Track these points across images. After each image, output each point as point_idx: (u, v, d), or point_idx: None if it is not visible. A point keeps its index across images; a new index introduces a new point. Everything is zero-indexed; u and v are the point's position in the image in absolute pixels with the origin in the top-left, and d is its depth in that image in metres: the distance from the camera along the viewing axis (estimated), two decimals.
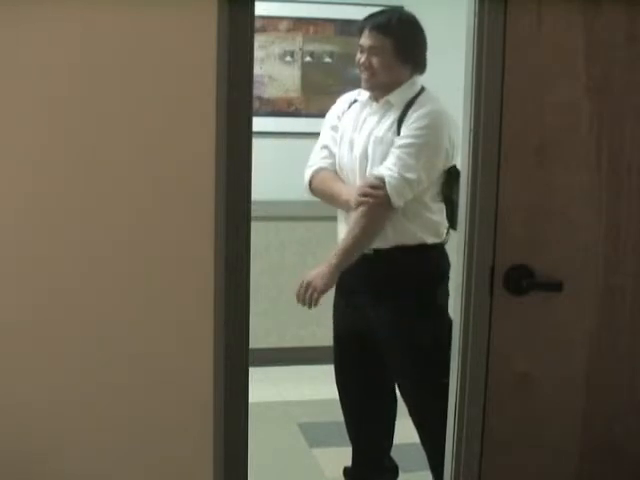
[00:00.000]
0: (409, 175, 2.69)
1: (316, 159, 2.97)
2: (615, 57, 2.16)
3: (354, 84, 4.84)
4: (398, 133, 2.74)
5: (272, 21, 4.71)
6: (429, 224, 2.80)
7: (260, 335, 4.58)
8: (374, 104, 2.87)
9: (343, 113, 2.96)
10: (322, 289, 2.78)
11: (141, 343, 1.97)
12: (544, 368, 2.26)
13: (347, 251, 2.78)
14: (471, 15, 2.12)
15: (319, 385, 4.33)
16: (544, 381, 2.26)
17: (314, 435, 3.80)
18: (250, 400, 2.11)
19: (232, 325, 2.04)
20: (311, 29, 4.77)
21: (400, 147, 2.71)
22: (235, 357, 2.06)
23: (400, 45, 2.78)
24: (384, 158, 2.74)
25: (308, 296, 2.79)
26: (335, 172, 2.93)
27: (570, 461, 2.31)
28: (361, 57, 2.82)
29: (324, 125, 3.01)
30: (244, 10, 1.96)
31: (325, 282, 2.77)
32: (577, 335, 2.26)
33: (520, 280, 2.18)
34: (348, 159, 2.87)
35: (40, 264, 1.92)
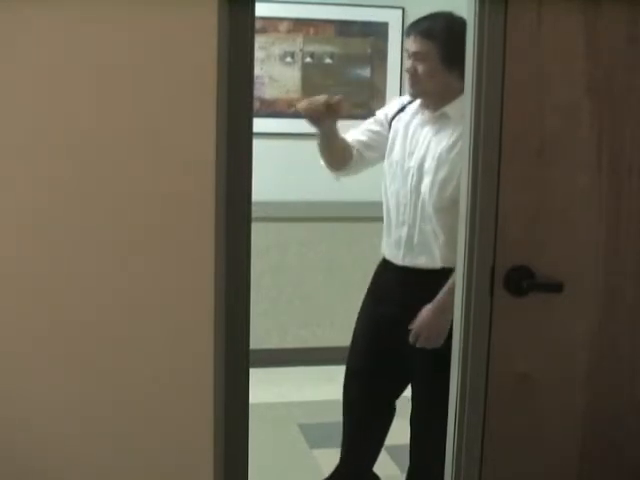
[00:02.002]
0: None
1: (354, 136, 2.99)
2: (616, 58, 2.16)
3: (354, 85, 4.85)
4: None
5: (272, 22, 4.72)
6: None
7: (261, 336, 4.58)
8: (426, 112, 2.80)
9: (395, 114, 2.91)
10: (443, 333, 2.69)
11: (141, 343, 1.97)
12: (544, 369, 2.26)
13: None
14: (471, 15, 2.12)
15: (320, 386, 4.35)
16: (544, 382, 2.26)
17: (315, 436, 3.81)
18: (250, 401, 2.11)
19: (233, 326, 2.04)
20: (311, 30, 4.78)
21: None
22: (236, 358, 2.06)
23: (445, 51, 2.68)
24: (449, 177, 2.67)
25: (432, 344, 2.73)
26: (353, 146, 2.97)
27: (571, 462, 2.31)
28: (407, 63, 2.76)
29: (373, 118, 3.01)
30: (244, 11, 1.96)
31: (445, 325, 2.66)
32: (577, 336, 2.26)
33: (520, 281, 2.18)
34: (399, 169, 2.82)
35: (38, 265, 1.92)
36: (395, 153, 2.86)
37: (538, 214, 2.19)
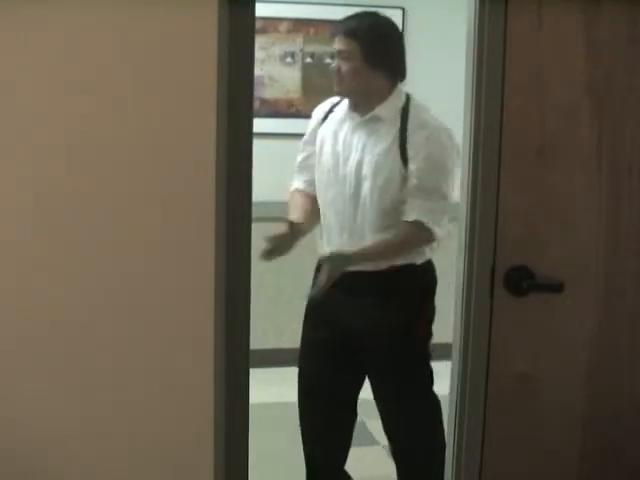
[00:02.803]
0: (442, 202, 2.66)
1: (296, 181, 2.98)
2: (616, 58, 2.16)
3: None
4: (403, 157, 2.66)
5: (272, 22, 4.72)
6: None
7: (260, 336, 4.58)
8: (356, 116, 2.77)
9: (319, 125, 2.88)
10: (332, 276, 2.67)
11: (141, 343, 1.97)
12: (544, 369, 2.26)
13: (366, 256, 2.72)
14: (471, 16, 2.12)
15: None
16: (544, 382, 2.26)
17: None
18: (250, 401, 2.11)
19: (233, 326, 2.04)
20: (311, 30, 4.78)
21: (421, 176, 2.64)
22: (236, 358, 2.06)
23: (369, 50, 2.67)
24: (389, 181, 2.67)
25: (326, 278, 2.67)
26: (308, 192, 2.92)
27: (570, 462, 2.31)
28: (334, 62, 2.76)
29: (302, 142, 2.98)
30: (245, 11, 1.96)
31: (334, 272, 2.66)
32: (577, 336, 2.26)
33: (521, 281, 2.18)
34: (333, 175, 2.78)
35: (38, 264, 1.92)
36: (325, 160, 2.81)
37: (538, 214, 2.19)
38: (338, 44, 2.72)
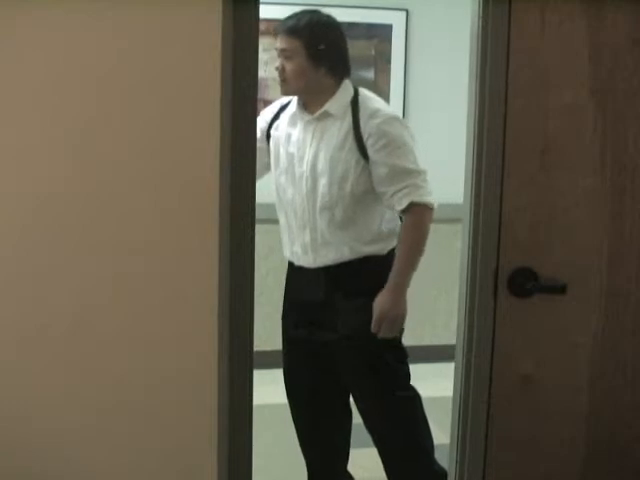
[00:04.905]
0: (420, 176, 2.68)
1: None
2: (619, 60, 2.16)
3: (358, 85, 4.81)
4: (360, 147, 2.67)
5: (276, 24, 4.72)
6: (382, 236, 2.79)
7: (264, 337, 4.58)
8: (306, 114, 2.77)
9: (271, 122, 2.88)
10: (404, 315, 2.73)
11: (145, 346, 1.97)
12: (548, 371, 2.26)
13: (411, 266, 2.72)
14: (475, 18, 2.12)
15: None
16: (548, 383, 2.26)
17: None
18: (254, 402, 2.11)
19: (237, 327, 2.04)
20: None
21: (388, 162, 2.65)
22: (240, 359, 2.06)
23: (311, 47, 2.69)
24: (346, 173, 2.68)
25: (396, 329, 2.74)
26: None
27: (574, 464, 2.31)
28: (277, 62, 2.76)
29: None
30: (249, 12, 1.96)
31: (404, 307, 2.72)
32: (581, 338, 2.26)
33: (524, 283, 2.18)
34: (290, 176, 2.79)
35: (41, 266, 1.92)
36: (281, 162, 2.82)
37: (542, 216, 2.19)
38: (280, 43, 2.73)
